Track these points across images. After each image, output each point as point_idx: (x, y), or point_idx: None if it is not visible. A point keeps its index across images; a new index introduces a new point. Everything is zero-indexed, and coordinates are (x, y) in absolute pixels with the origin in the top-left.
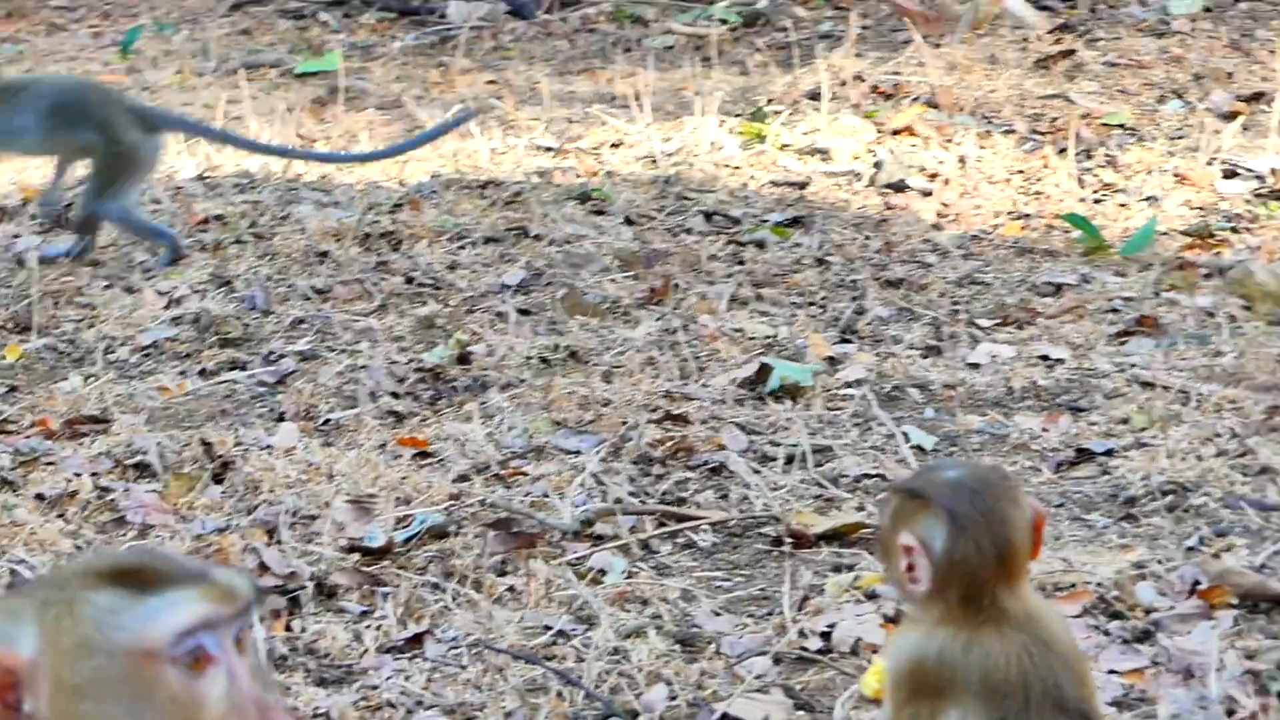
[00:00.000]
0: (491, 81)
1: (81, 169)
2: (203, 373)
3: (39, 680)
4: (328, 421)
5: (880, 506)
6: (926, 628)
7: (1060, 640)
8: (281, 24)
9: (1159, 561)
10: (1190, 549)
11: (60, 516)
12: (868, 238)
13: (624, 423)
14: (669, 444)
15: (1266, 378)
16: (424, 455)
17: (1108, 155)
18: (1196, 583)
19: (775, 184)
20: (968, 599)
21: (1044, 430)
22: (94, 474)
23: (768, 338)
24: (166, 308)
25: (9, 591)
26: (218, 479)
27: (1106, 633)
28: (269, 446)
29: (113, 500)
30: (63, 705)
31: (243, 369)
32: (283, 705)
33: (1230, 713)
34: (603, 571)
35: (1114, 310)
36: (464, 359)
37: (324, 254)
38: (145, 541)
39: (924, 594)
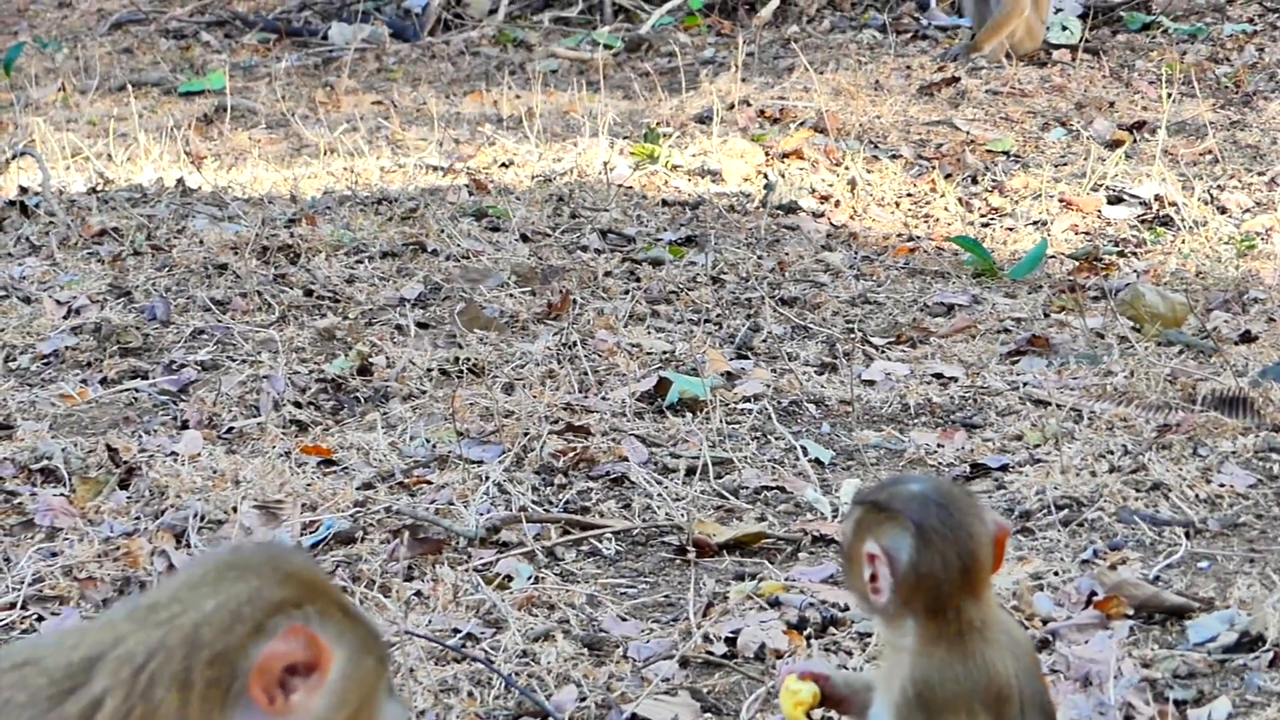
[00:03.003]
0: (377, 102)
1: None
2: (104, 381)
3: (322, 687)
4: (231, 430)
5: (845, 517)
6: (915, 652)
7: (1026, 646)
8: (163, 43)
9: (1055, 573)
10: (1085, 561)
11: None
12: (761, 257)
13: (526, 433)
14: (571, 455)
15: (1157, 396)
16: (328, 463)
17: (994, 180)
18: (1093, 594)
19: (668, 203)
20: (933, 611)
21: (939, 446)
22: (0, 479)
23: (665, 353)
24: (66, 317)
25: (312, 588)
26: (123, 484)
27: None
28: (174, 453)
29: (20, 504)
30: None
31: (144, 378)
32: None
33: (1128, 719)
34: (509, 577)
35: (1005, 330)
36: (365, 370)
37: (223, 266)
38: (53, 544)
39: (888, 607)
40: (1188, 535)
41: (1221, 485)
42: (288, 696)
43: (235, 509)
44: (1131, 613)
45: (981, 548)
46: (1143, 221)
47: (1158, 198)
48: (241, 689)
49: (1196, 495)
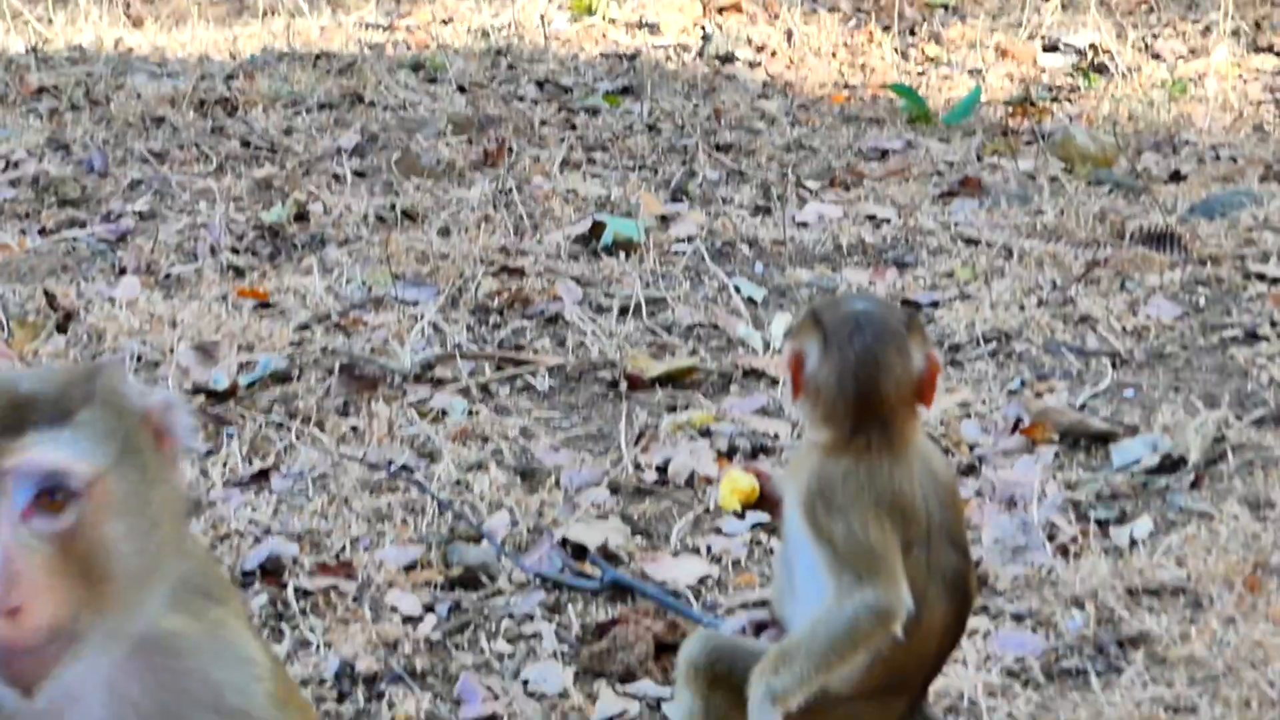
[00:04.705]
0: None
1: None
2: (43, 231)
3: None
4: (169, 276)
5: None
6: (823, 454)
7: (946, 478)
8: None
9: (983, 402)
10: (1012, 391)
11: None
12: (697, 106)
13: (461, 275)
14: (506, 295)
15: (1086, 233)
16: (265, 306)
17: (931, 32)
18: (1019, 420)
19: (605, 55)
20: (836, 422)
21: (871, 284)
22: None
23: (600, 198)
24: (4, 170)
25: None
26: (61, 329)
27: None
28: (111, 299)
29: None
30: None
31: (83, 227)
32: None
33: (1051, 537)
34: (444, 412)
35: (938, 173)
36: (302, 217)
37: (160, 119)
38: None
39: (802, 408)
40: (1114, 365)
41: (1148, 317)
42: None
43: (172, 350)
44: (1057, 438)
45: (885, 378)
46: (1077, 69)
47: (1093, 46)
48: None
49: (1123, 327)
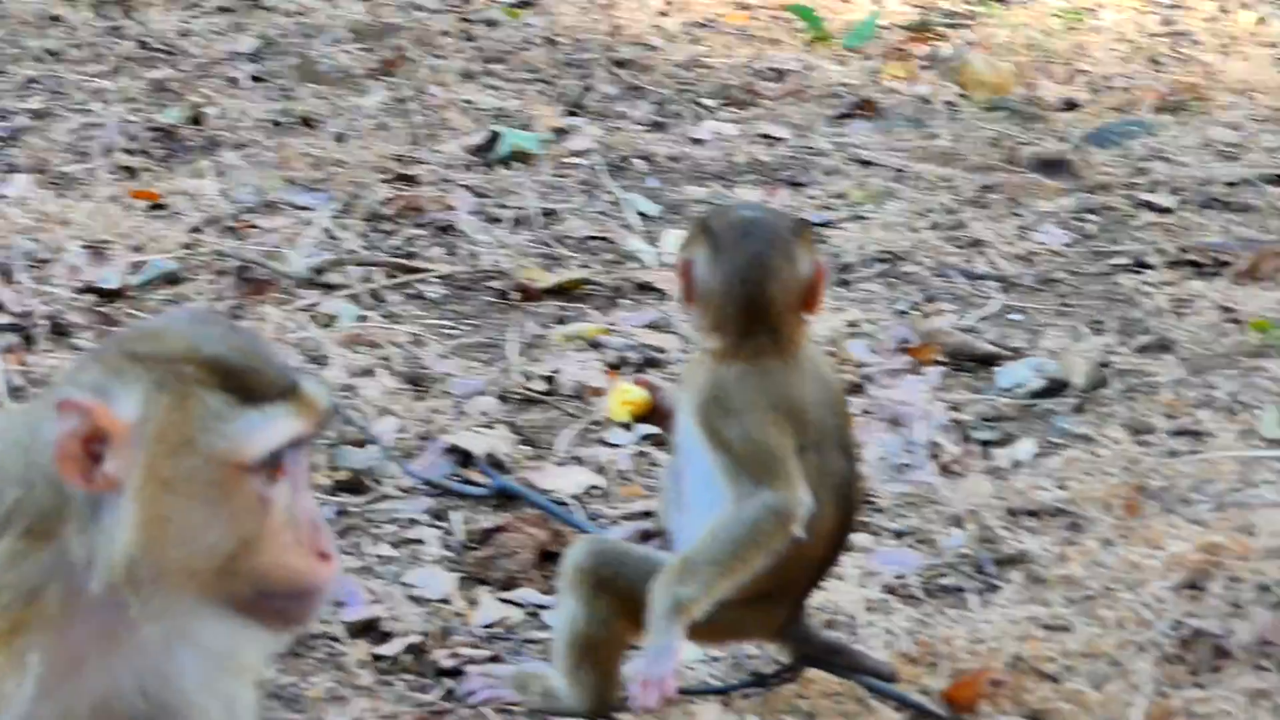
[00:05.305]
0: None
1: None
2: None
3: (128, 448)
4: (62, 175)
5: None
6: (716, 361)
7: (835, 385)
8: None
9: (871, 322)
10: (901, 312)
11: None
12: (596, 20)
13: (355, 182)
14: (400, 203)
15: (980, 159)
16: (157, 207)
17: None
18: (906, 341)
19: None
20: (726, 328)
21: (764, 202)
22: None
23: (497, 110)
24: None
25: (119, 345)
26: None
27: None
28: (3, 196)
29: None
30: (149, 489)
31: None
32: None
33: (934, 457)
34: (334, 317)
35: (835, 95)
36: (196, 120)
37: (56, 18)
38: None
39: (694, 316)
40: (1002, 289)
41: (1038, 243)
42: (99, 463)
43: (62, 249)
44: (943, 359)
45: (773, 281)
46: None
47: None
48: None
49: (1013, 252)
